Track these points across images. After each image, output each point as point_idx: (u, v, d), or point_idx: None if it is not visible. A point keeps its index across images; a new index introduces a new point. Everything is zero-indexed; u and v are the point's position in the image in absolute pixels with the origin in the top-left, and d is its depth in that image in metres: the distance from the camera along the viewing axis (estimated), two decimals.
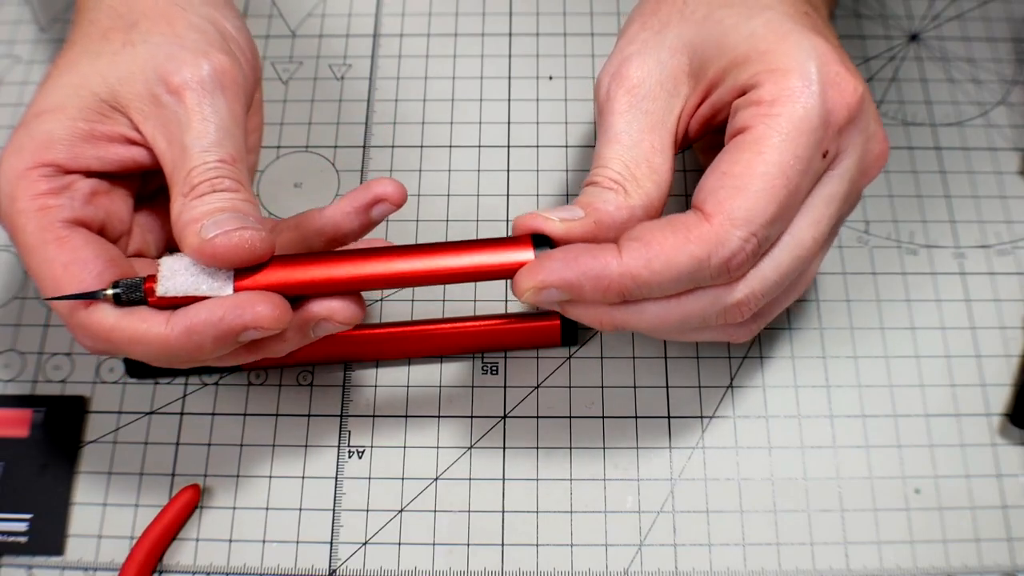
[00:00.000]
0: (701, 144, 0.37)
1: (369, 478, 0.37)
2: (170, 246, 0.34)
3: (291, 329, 0.30)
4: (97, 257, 0.30)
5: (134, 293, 0.29)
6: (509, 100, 0.44)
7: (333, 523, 0.36)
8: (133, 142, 0.31)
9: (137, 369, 0.38)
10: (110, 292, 0.29)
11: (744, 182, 0.28)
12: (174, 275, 0.29)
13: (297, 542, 0.36)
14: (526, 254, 0.30)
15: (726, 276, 0.28)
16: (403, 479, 0.36)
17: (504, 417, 0.37)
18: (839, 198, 0.30)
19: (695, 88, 0.31)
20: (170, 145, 0.30)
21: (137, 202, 0.34)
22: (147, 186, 0.34)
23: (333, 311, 0.30)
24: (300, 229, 0.33)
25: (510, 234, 0.32)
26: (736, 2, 0.31)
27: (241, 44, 0.34)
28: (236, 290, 0.29)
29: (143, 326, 0.29)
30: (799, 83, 0.28)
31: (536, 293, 0.29)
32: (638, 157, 0.31)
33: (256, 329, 0.28)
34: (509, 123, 0.43)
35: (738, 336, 0.32)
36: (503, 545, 0.35)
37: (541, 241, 0.30)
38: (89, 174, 0.32)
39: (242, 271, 0.29)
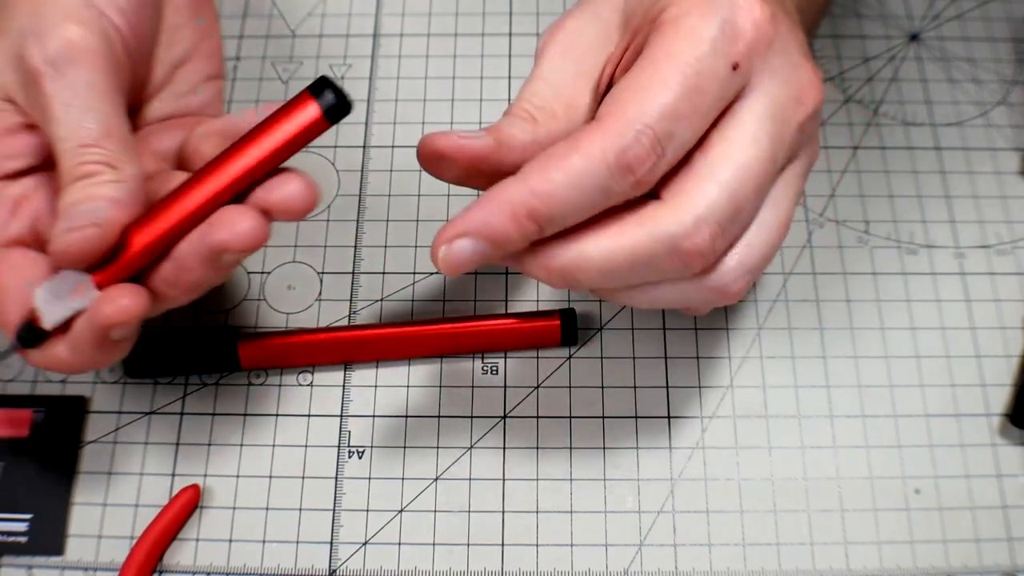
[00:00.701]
0: None
1: (369, 478, 0.37)
2: None
3: (196, 263, 0.29)
4: (18, 289, 0.29)
5: (34, 334, 0.29)
6: (509, 100, 0.44)
7: (333, 523, 0.36)
8: (33, 126, 0.30)
9: (136, 369, 0.38)
10: (16, 342, 0.29)
11: (635, 84, 0.27)
12: (49, 302, 0.29)
13: (297, 542, 0.36)
14: (310, 110, 0.29)
15: (631, 177, 0.27)
16: (403, 479, 0.36)
17: (504, 417, 0.37)
18: (770, 116, 0.28)
19: (624, 36, 0.30)
20: (44, 132, 0.29)
21: None
22: None
23: (228, 243, 0.28)
24: (227, 136, 0.31)
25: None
26: None
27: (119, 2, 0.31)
28: (99, 285, 0.28)
29: (51, 356, 0.29)
30: (699, 2, 0.28)
31: (448, 251, 0.27)
32: (558, 94, 0.30)
33: (120, 326, 0.28)
34: None
35: (727, 293, 0.30)
36: (503, 545, 0.35)
37: None
38: (9, 178, 0.31)
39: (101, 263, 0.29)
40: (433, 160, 0.30)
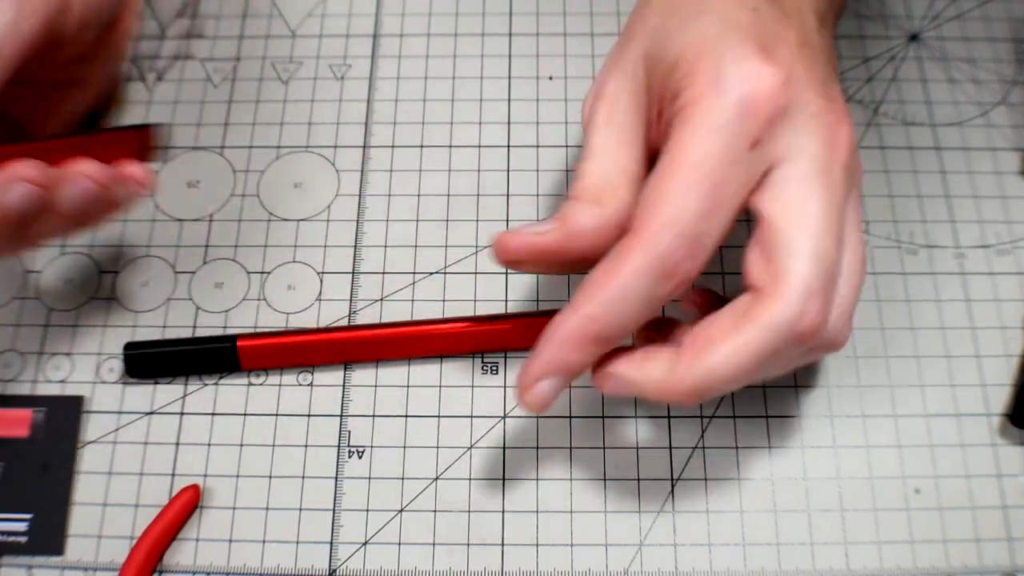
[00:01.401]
0: None
1: (369, 478, 0.37)
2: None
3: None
4: None
5: None
6: (509, 100, 0.44)
7: (333, 523, 0.36)
8: None
9: (137, 369, 0.38)
10: None
11: (660, 191, 0.28)
12: None
13: (297, 542, 0.36)
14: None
15: (672, 282, 0.28)
16: (403, 479, 0.36)
17: (504, 417, 0.37)
18: (812, 174, 0.29)
19: (653, 99, 0.31)
20: None
21: None
22: None
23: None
24: None
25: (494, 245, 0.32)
26: (684, 6, 0.30)
27: None
28: None
29: None
30: (710, 82, 0.28)
31: (533, 394, 0.30)
32: (616, 168, 0.31)
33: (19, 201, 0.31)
34: (509, 123, 0.43)
35: (836, 344, 0.30)
36: (503, 545, 0.35)
37: None
38: None
39: None
40: (510, 262, 0.32)
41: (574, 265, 0.31)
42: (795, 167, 0.29)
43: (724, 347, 0.28)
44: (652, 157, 0.31)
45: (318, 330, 0.38)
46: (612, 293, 0.28)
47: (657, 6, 0.31)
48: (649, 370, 0.30)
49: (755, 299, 0.28)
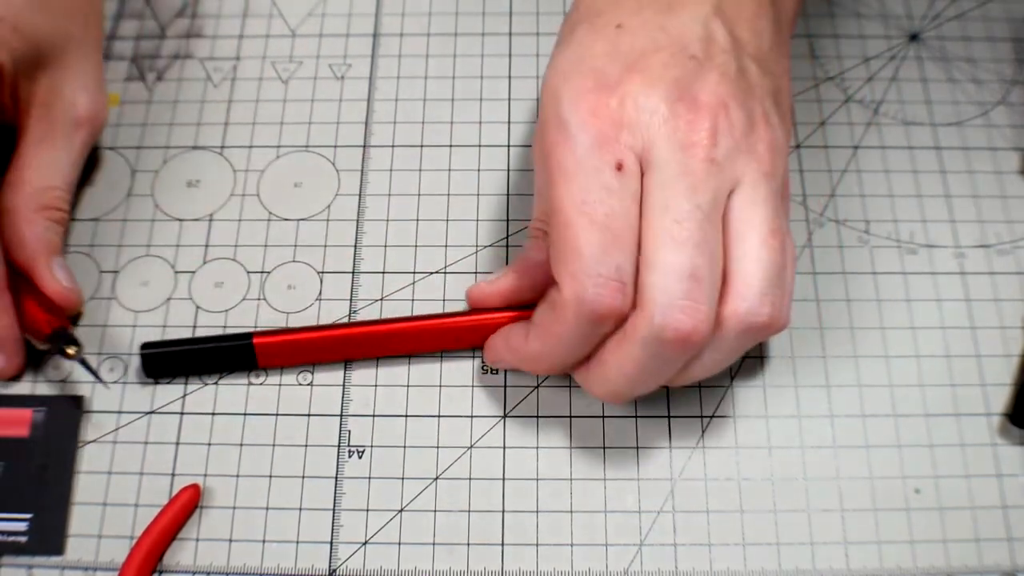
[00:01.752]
0: None
1: (369, 478, 0.37)
2: None
3: None
4: None
5: None
6: (509, 100, 0.44)
7: (333, 523, 0.36)
8: None
9: (154, 369, 0.38)
10: None
11: (554, 237, 0.31)
12: None
13: (297, 542, 0.36)
14: None
15: (608, 318, 0.30)
16: (403, 479, 0.36)
17: (504, 417, 0.37)
18: (668, 185, 0.30)
19: None
20: None
21: None
22: None
23: None
24: None
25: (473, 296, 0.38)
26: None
27: None
28: None
29: None
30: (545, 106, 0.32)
31: (494, 365, 0.37)
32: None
33: None
34: (509, 123, 0.43)
35: (782, 328, 0.32)
36: (503, 545, 0.35)
37: None
38: None
39: None
40: (478, 304, 0.38)
41: (540, 291, 0.35)
42: (655, 175, 0.30)
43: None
44: None
45: (333, 326, 0.38)
46: (553, 341, 0.32)
47: None
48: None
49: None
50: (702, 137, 0.30)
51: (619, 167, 0.30)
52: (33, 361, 0.39)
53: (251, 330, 0.39)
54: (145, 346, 0.38)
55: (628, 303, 0.30)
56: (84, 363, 0.37)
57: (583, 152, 0.30)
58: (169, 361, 0.38)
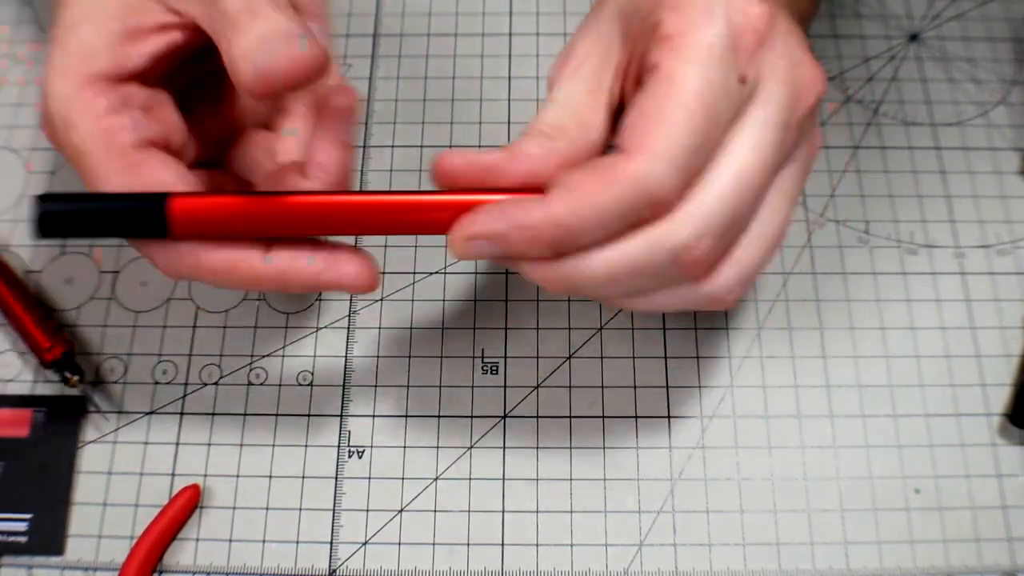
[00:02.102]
0: None
1: (369, 478, 0.37)
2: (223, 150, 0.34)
3: (302, 287, 0.30)
4: (178, 180, 0.29)
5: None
6: (509, 100, 0.44)
7: (333, 523, 0.36)
8: (169, 27, 0.30)
9: (47, 228, 0.30)
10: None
11: (660, 114, 0.27)
12: None
13: (297, 542, 0.36)
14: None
15: (652, 209, 0.27)
16: (403, 479, 0.36)
17: (504, 417, 0.37)
18: (772, 123, 0.28)
19: (624, 48, 0.30)
20: (202, 2, 0.29)
21: (187, 109, 0.33)
22: (192, 89, 0.33)
23: (349, 279, 0.30)
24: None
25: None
26: None
27: None
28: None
29: (235, 259, 0.29)
30: (699, 12, 0.28)
31: (464, 244, 0.28)
32: (570, 114, 0.30)
33: (341, 288, 0.29)
34: (509, 123, 0.43)
35: (723, 301, 0.30)
36: (503, 545, 0.35)
37: None
38: (139, 79, 0.30)
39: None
40: (445, 178, 0.29)
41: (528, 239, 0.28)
42: (756, 110, 0.28)
43: (604, 252, 0.28)
44: (614, 107, 0.30)
45: (270, 193, 0.30)
46: (594, 213, 0.27)
47: None
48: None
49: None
50: (809, 98, 0.30)
51: (743, 80, 0.28)
52: (33, 362, 0.39)
53: (250, 329, 0.38)
54: (43, 199, 0.30)
55: (676, 204, 0.28)
56: (85, 393, 0.37)
57: (725, 44, 0.27)
58: (68, 219, 0.30)
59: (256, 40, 0.27)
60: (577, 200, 0.27)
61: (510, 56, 0.45)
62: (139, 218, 0.29)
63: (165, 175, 0.30)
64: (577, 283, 0.28)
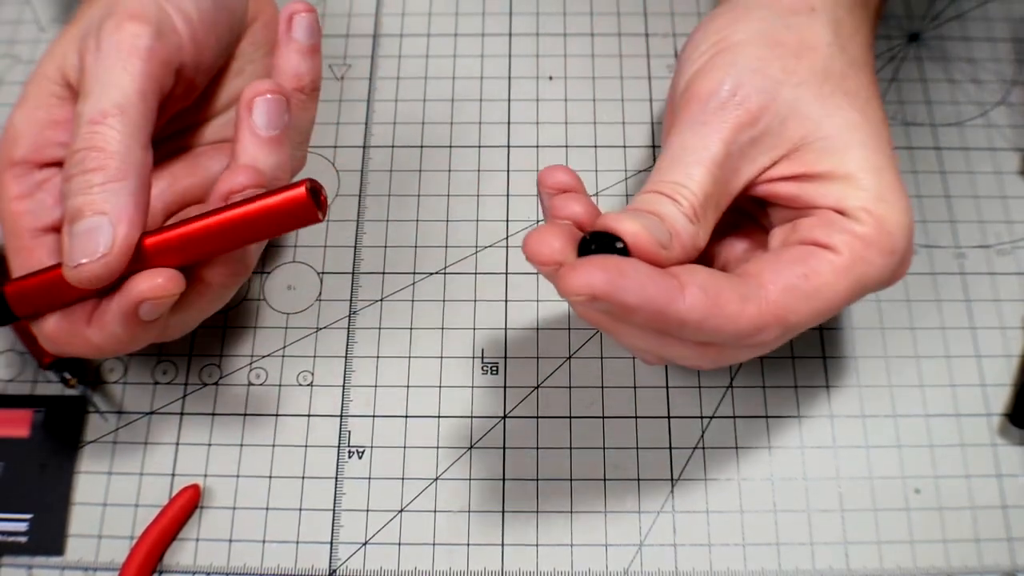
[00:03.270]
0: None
1: (369, 478, 0.37)
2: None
3: (115, 319, 0.30)
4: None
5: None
6: (509, 100, 0.44)
7: (333, 523, 0.36)
8: None
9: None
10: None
11: (814, 296, 0.28)
12: None
13: (297, 542, 0.36)
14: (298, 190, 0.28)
15: (736, 347, 0.29)
16: (403, 479, 0.36)
17: (504, 417, 0.37)
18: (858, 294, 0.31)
19: (792, 163, 0.30)
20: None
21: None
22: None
23: (142, 292, 0.29)
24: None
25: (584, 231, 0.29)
26: (870, 118, 0.30)
27: (182, 5, 0.32)
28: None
29: (73, 328, 0.30)
30: (891, 250, 0.29)
31: (590, 300, 0.25)
32: (716, 195, 0.29)
33: (149, 303, 0.29)
34: (509, 123, 0.43)
35: (695, 368, 0.33)
36: (503, 545, 0.35)
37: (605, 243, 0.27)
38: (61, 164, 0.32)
39: None
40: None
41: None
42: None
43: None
44: (729, 198, 0.30)
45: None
46: (714, 331, 0.27)
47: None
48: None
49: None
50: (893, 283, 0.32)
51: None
52: (33, 362, 0.39)
53: (250, 329, 0.39)
54: None
55: None
56: (85, 393, 0.37)
57: (880, 283, 0.30)
58: None
59: (71, 217, 0.29)
60: (713, 315, 0.27)
61: (510, 56, 0.45)
62: None
63: (48, 261, 0.31)
64: (621, 342, 0.30)
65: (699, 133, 0.29)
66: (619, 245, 0.27)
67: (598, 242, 0.27)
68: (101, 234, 0.28)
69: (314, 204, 0.29)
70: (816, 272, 0.28)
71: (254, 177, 0.30)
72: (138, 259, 0.29)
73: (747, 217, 0.33)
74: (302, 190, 0.28)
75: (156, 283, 0.29)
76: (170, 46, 0.31)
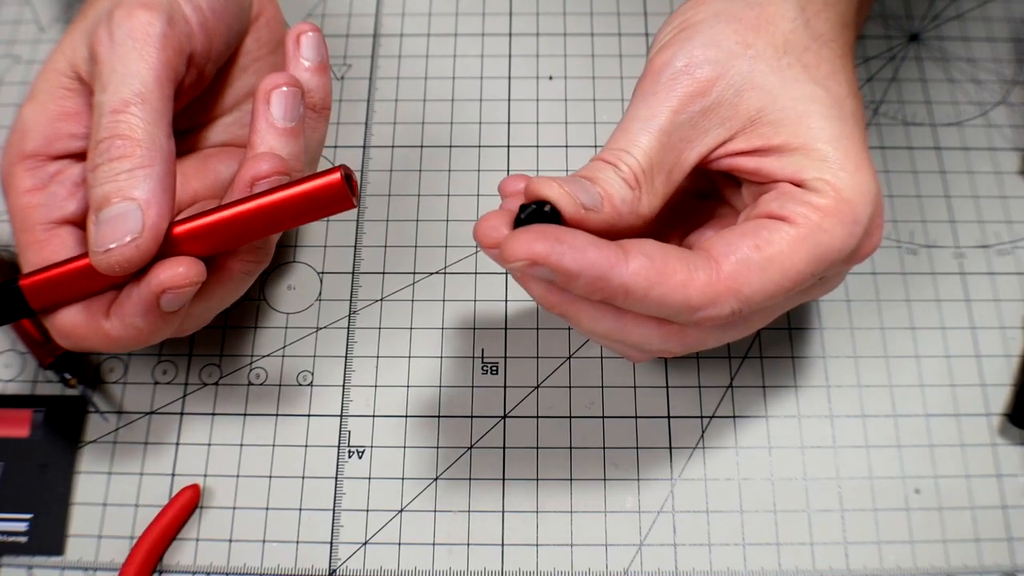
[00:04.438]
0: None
1: (369, 478, 0.37)
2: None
3: (135, 310, 0.30)
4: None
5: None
6: (509, 100, 0.44)
7: (333, 523, 0.36)
8: None
9: None
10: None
11: (768, 266, 0.28)
12: None
13: (297, 542, 0.36)
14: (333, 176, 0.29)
15: (694, 317, 0.28)
16: (403, 479, 0.36)
17: (504, 417, 0.37)
18: (808, 296, 0.31)
19: (750, 137, 0.30)
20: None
21: None
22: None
23: (164, 282, 0.29)
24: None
25: (505, 197, 0.30)
26: (831, 90, 0.30)
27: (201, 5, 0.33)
28: None
29: (91, 322, 0.30)
30: (852, 219, 0.28)
31: (529, 265, 0.26)
32: (665, 163, 0.29)
33: (171, 293, 0.29)
34: (509, 123, 0.43)
35: (665, 355, 0.32)
36: (503, 545, 0.35)
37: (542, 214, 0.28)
38: (79, 158, 0.32)
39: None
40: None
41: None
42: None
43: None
44: (689, 172, 0.30)
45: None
46: (661, 302, 0.27)
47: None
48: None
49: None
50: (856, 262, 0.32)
51: (822, 278, 0.31)
52: (33, 362, 0.39)
53: (251, 329, 0.39)
54: None
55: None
56: (85, 393, 0.37)
57: (844, 256, 0.29)
58: None
59: (98, 204, 0.29)
60: (659, 283, 0.27)
61: (510, 56, 0.45)
62: (4, 303, 0.31)
63: (62, 254, 0.31)
64: (577, 325, 0.29)
65: (648, 103, 0.29)
66: (547, 209, 0.27)
67: (526, 210, 0.28)
68: (131, 219, 0.28)
69: (348, 189, 0.29)
70: (768, 242, 0.28)
71: (278, 164, 0.30)
72: (167, 247, 0.29)
73: (728, 207, 0.33)
74: (337, 176, 0.29)
75: (178, 272, 0.29)
76: (181, 34, 0.31)
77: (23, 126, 0.32)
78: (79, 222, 0.32)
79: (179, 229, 0.30)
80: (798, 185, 0.29)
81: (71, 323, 0.31)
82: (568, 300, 0.28)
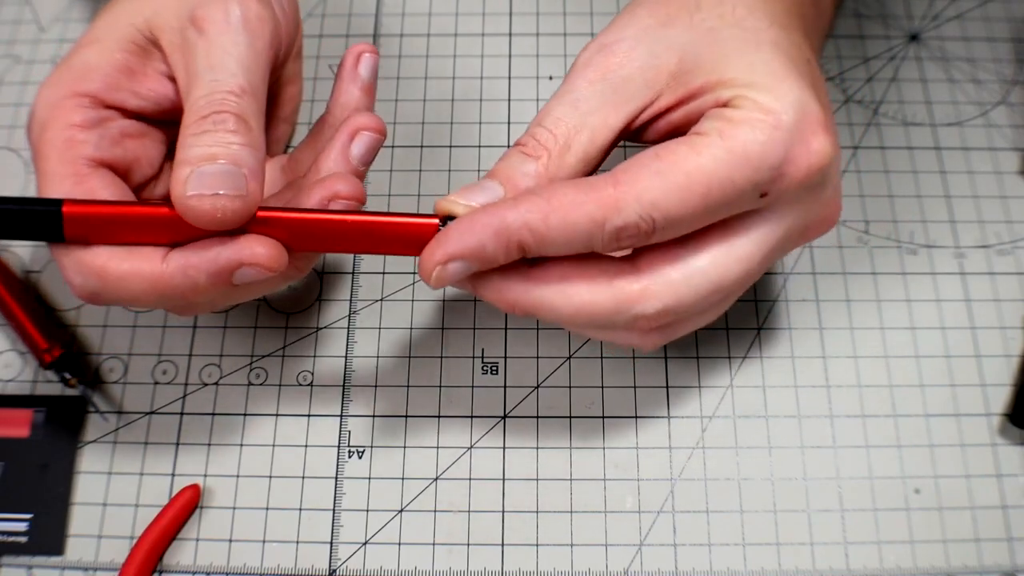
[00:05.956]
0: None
1: (369, 478, 0.37)
2: None
3: (208, 266, 0.29)
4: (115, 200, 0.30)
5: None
6: (509, 100, 0.44)
7: (333, 523, 0.36)
8: (168, 78, 0.32)
9: None
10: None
11: (667, 170, 0.27)
12: None
13: (297, 542, 0.36)
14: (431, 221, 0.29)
15: (617, 244, 0.28)
16: (403, 479, 0.36)
17: (504, 417, 0.37)
18: (771, 243, 0.30)
19: (674, 90, 0.30)
20: (187, 75, 0.30)
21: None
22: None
23: (256, 255, 0.29)
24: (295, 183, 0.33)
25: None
26: (747, 27, 0.30)
27: (283, 1, 0.34)
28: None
29: (138, 263, 0.29)
30: (770, 121, 0.28)
31: (442, 270, 0.28)
32: (585, 125, 0.30)
33: (253, 267, 0.29)
34: (509, 123, 0.43)
35: (644, 345, 0.31)
36: (503, 545, 0.35)
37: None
38: (126, 113, 0.32)
39: None
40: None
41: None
42: (764, 229, 0.29)
43: (569, 293, 0.29)
44: (623, 135, 0.31)
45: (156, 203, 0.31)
46: (563, 224, 0.27)
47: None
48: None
49: (625, 271, 0.29)
50: (816, 236, 0.33)
51: (763, 196, 0.29)
52: (33, 362, 0.39)
53: (250, 329, 0.39)
54: None
55: (636, 247, 0.30)
56: (85, 394, 0.37)
57: (769, 160, 0.28)
58: None
59: (200, 158, 0.28)
60: (552, 209, 0.27)
61: (510, 56, 0.45)
62: (35, 219, 0.29)
63: (103, 193, 0.30)
64: (537, 313, 0.29)
65: (566, 82, 0.31)
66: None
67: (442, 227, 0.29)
68: (236, 177, 0.28)
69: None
70: (669, 150, 0.28)
71: (357, 192, 0.31)
72: (250, 224, 0.29)
73: None
74: (435, 221, 0.29)
75: (270, 252, 0.29)
76: (279, 35, 0.32)
77: (83, 65, 0.31)
78: (119, 170, 0.32)
79: (263, 213, 0.29)
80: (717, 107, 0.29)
81: (107, 263, 0.29)
82: (519, 291, 0.29)
